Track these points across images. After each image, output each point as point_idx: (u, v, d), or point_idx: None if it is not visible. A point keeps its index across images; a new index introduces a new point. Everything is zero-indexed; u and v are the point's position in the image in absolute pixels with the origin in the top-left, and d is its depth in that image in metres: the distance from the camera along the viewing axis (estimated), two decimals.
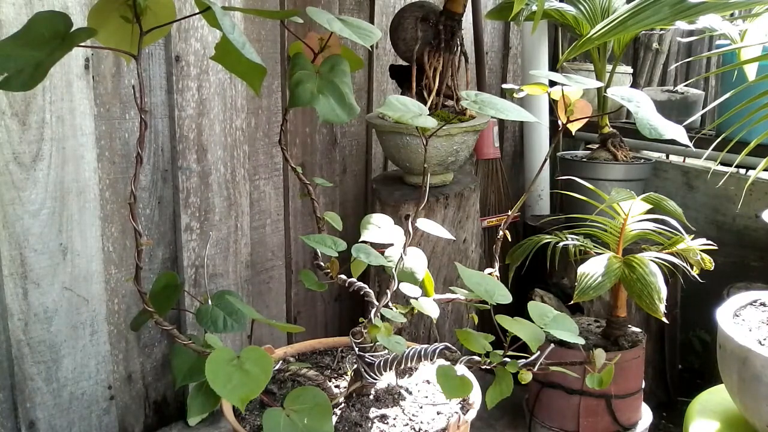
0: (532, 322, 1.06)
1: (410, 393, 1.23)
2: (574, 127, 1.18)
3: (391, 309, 1.11)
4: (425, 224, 1.24)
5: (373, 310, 1.09)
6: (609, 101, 2.32)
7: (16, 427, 1.68)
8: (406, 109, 1.05)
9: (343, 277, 1.19)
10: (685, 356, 2.50)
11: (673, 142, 1.33)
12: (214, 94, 1.93)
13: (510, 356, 1.05)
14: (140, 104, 0.89)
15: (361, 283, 1.19)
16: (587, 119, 1.17)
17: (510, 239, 1.32)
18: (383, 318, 1.08)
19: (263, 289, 2.19)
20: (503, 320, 1.03)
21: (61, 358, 1.73)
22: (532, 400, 1.93)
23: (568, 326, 1.06)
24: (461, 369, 1.07)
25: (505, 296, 1.11)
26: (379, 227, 1.24)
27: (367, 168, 2.47)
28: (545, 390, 1.88)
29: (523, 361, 1.04)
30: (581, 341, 1.04)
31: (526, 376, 1.02)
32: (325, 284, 1.18)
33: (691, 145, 1.14)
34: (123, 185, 1.82)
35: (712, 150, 2.01)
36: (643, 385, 1.89)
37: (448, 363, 1.07)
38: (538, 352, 1.03)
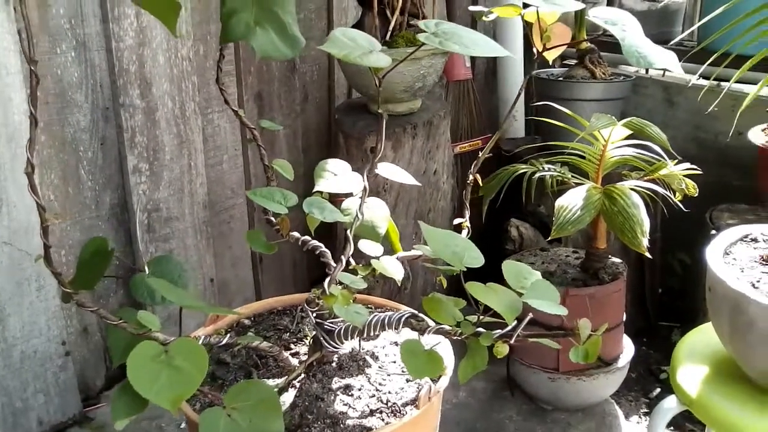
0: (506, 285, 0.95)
1: (377, 358, 1.13)
2: (551, 56, 1.05)
3: (350, 274, 0.99)
4: (387, 170, 1.11)
5: (328, 279, 0.97)
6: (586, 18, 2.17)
7: None
8: (354, 45, 0.89)
9: (296, 234, 1.07)
10: (665, 279, 2.43)
11: None
12: (155, 20, 1.74)
13: (484, 324, 0.94)
14: (29, 53, 0.74)
15: (315, 242, 1.06)
16: (565, 46, 1.03)
17: (480, 183, 1.20)
18: (341, 284, 0.96)
19: (224, 229, 2.07)
20: (474, 288, 0.91)
21: (7, 317, 1.61)
22: None
23: (548, 293, 0.95)
24: (433, 339, 0.96)
25: (476, 258, 0.98)
26: (336, 174, 1.10)
27: (330, 95, 2.31)
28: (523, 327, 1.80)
29: (498, 331, 0.93)
30: (563, 311, 0.93)
31: (502, 350, 0.92)
32: (274, 246, 1.05)
33: (682, 70, 1.01)
34: (60, 127, 1.66)
35: (693, 63, 1.88)
36: (624, 318, 1.82)
37: (415, 334, 0.96)
38: (515, 322, 0.92)
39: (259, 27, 0.89)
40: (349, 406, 1.03)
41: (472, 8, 1.08)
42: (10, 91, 1.53)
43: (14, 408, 1.67)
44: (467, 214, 1.13)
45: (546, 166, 1.74)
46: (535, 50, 1.03)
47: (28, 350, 1.67)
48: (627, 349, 1.84)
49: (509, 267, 0.98)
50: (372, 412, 1.04)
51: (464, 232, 1.09)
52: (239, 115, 1.08)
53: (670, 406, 1.34)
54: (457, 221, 1.12)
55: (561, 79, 2.18)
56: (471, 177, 1.14)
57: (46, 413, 1.74)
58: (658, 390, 2.09)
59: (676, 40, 2.05)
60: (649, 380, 2.15)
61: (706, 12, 2.40)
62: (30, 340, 1.67)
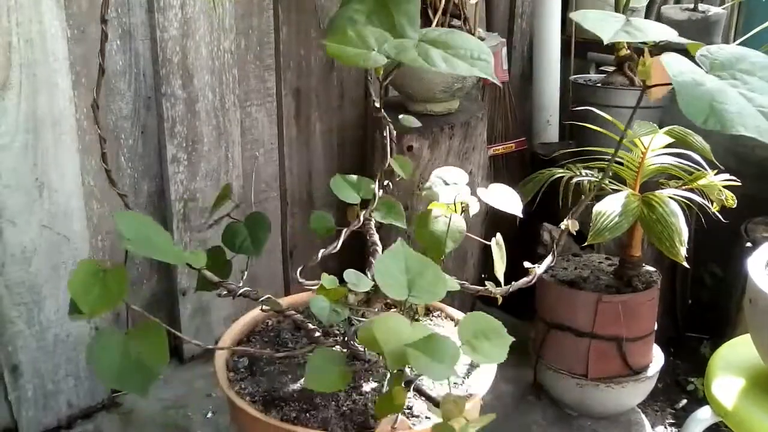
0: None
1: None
2: (654, 95, 1.01)
3: (362, 274, 0.97)
4: (492, 193, 1.07)
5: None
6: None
7: None
8: (358, 42, 0.85)
9: (372, 228, 1.06)
10: (695, 290, 2.41)
11: None
12: (199, 12, 1.77)
13: None
14: (103, 11, 0.78)
15: (376, 238, 1.06)
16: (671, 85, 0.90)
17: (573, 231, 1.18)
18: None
19: None
20: (377, 323, 0.83)
21: (43, 299, 1.63)
22: (538, 341, 1.85)
23: (445, 353, 0.81)
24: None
25: (433, 294, 0.88)
26: (447, 184, 1.09)
27: (366, 93, 2.31)
28: (553, 331, 1.79)
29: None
30: (447, 377, 0.83)
31: (400, 398, 0.84)
32: (333, 228, 1.07)
33: None
34: (102, 114, 1.69)
35: None
36: (655, 327, 1.81)
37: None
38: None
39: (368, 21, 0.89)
40: (336, 403, 1.03)
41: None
42: (56, 77, 1.55)
43: (45, 390, 1.70)
44: (547, 261, 1.09)
45: (584, 171, 1.74)
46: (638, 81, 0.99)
47: (62, 334, 1.69)
48: (657, 359, 1.83)
49: (468, 320, 0.87)
50: (343, 416, 1.02)
51: (529, 278, 1.07)
52: (376, 106, 1.06)
53: (704, 416, 1.34)
54: (527, 265, 1.11)
55: (599, 85, 2.17)
56: (566, 222, 1.11)
57: (76, 397, 1.76)
58: (685, 401, 2.08)
59: None
60: (675, 391, 2.14)
61: (745, 23, 2.38)
62: (64, 323, 1.69)
